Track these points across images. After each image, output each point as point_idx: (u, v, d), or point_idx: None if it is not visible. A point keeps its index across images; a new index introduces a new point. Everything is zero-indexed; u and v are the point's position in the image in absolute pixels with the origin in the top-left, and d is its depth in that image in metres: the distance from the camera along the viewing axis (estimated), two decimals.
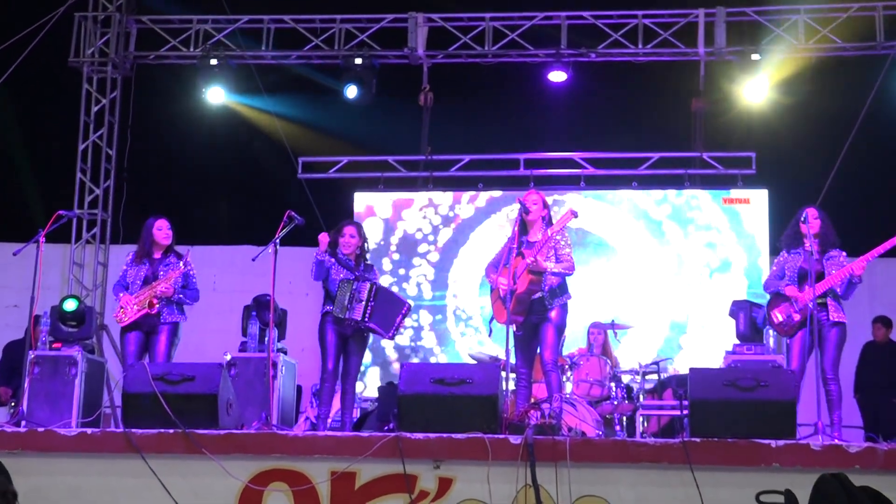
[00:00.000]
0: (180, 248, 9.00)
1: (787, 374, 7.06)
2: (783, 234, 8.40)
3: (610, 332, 10.61)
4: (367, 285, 8.40)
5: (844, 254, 8.12)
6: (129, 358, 8.65)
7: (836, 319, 7.92)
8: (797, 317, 7.97)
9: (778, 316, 8.10)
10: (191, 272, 8.89)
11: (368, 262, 8.78)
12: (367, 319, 8.35)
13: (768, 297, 8.41)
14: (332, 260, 8.53)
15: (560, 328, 8.17)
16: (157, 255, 8.79)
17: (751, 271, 12.48)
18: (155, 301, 8.57)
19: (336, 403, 8.73)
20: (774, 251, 9.68)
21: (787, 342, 8.13)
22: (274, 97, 13.49)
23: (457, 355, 12.60)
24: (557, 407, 7.77)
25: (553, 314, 8.09)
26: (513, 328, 7.97)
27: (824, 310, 7.94)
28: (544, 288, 8.08)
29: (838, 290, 7.97)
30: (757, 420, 6.66)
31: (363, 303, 8.34)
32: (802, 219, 8.08)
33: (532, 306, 8.05)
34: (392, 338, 8.66)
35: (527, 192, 8.41)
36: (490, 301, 8.34)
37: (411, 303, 8.75)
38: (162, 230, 8.84)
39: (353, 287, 8.38)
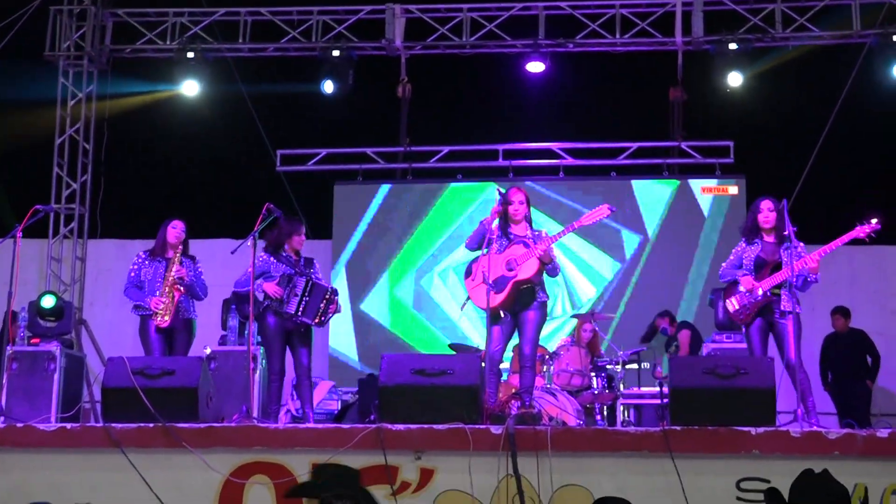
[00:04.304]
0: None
1: (767, 362, 7.07)
2: (742, 223, 8.40)
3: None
4: (304, 280, 8.46)
5: (802, 244, 8.09)
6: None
7: (787, 309, 7.86)
8: (753, 307, 7.98)
9: (733, 304, 8.10)
10: (199, 268, 8.97)
11: (307, 256, 8.87)
12: (300, 314, 8.40)
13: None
14: (273, 260, 8.58)
15: (541, 324, 8.17)
16: (171, 255, 8.78)
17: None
18: (178, 284, 8.63)
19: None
20: None
21: (745, 331, 8.11)
22: (251, 90, 13.44)
23: (437, 345, 12.62)
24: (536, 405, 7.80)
25: (537, 308, 8.08)
26: (501, 314, 7.97)
27: (777, 301, 7.92)
28: (539, 279, 8.08)
29: (794, 280, 7.95)
30: (737, 407, 6.68)
31: (298, 297, 8.42)
32: (780, 210, 8.06)
33: (519, 296, 8.04)
34: (320, 325, 8.60)
35: (514, 189, 8.35)
36: (468, 285, 8.29)
37: (334, 288, 8.68)
38: (176, 229, 8.83)
39: (292, 282, 8.45)
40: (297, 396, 9.84)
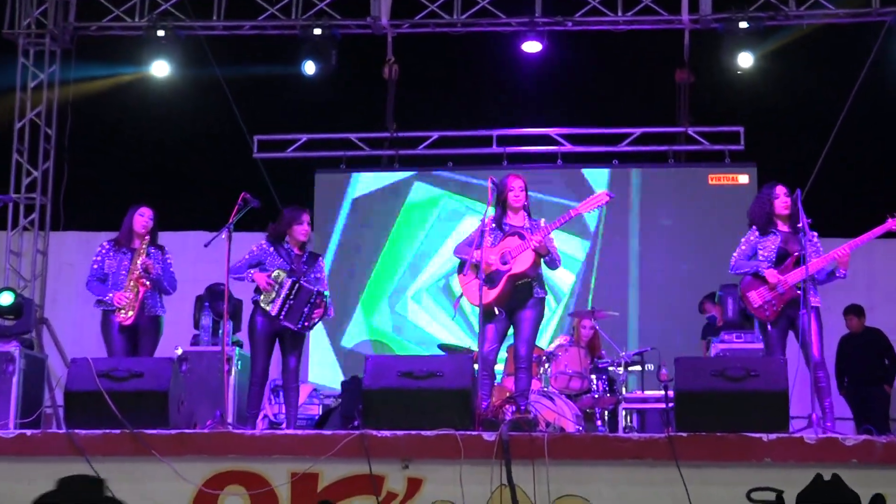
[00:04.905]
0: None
1: (779, 363, 7.06)
2: (753, 211, 8.34)
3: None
4: (291, 282, 8.36)
5: (817, 234, 8.11)
6: (118, 355, 8.55)
7: (813, 304, 7.89)
8: (779, 302, 7.96)
9: (756, 298, 8.07)
10: (168, 260, 8.88)
11: (313, 251, 8.80)
12: (282, 317, 8.34)
13: (740, 277, 8.35)
14: (272, 250, 8.51)
15: (538, 322, 8.16)
16: (137, 245, 8.70)
17: None
18: (143, 278, 8.53)
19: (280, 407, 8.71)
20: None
21: (769, 328, 8.09)
22: (226, 71, 13.39)
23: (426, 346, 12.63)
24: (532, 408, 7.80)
25: (534, 305, 8.06)
26: (495, 311, 7.95)
27: (802, 295, 7.91)
28: (536, 272, 8.04)
29: (816, 274, 7.96)
30: (747, 412, 6.68)
31: (282, 299, 8.33)
32: (794, 199, 8.05)
33: (515, 292, 8.02)
34: (303, 330, 8.48)
35: (513, 175, 8.32)
36: (461, 281, 8.27)
37: (320, 290, 8.51)
38: (144, 217, 8.74)
39: (281, 281, 8.38)
40: (274, 401, 9.83)
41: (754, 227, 8.23)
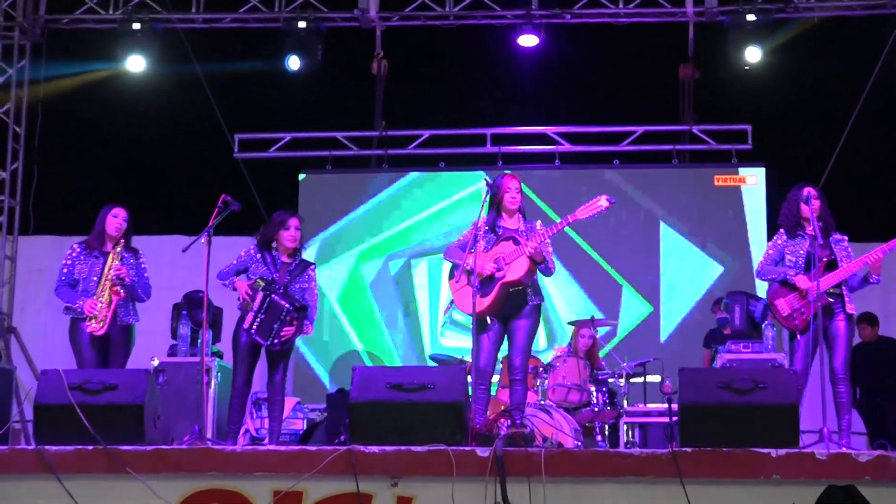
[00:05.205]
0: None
1: (788, 375, 7.08)
2: (781, 214, 8.40)
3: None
4: (262, 295, 8.29)
5: (847, 238, 8.16)
6: (87, 366, 8.50)
7: (851, 312, 7.97)
8: (808, 310, 7.97)
9: (784, 307, 8.10)
10: (143, 264, 8.82)
11: (305, 257, 8.74)
12: (253, 331, 8.30)
13: (766, 283, 8.39)
14: (258, 257, 8.46)
15: (534, 331, 8.16)
16: (110, 248, 8.67)
17: (746, 260, 12.53)
18: (117, 286, 8.49)
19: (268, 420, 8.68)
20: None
21: (798, 338, 8.10)
22: (206, 66, 13.38)
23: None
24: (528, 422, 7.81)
25: (529, 313, 8.07)
26: (487, 320, 7.96)
27: (839, 301, 7.97)
28: (531, 279, 8.05)
29: (850, 280, 8.03)
30: (755, 426, 6.69)
31: (255, 313, 8.27)
32: (805, 199, 8.09)
33: (509, 300, 8.03)
34: (273, 347, 8.35)
35: (508, 175, 8.32)
36: (451, 287, 8.26)
37: (298, 306, 8.37)
38: (117, 218, 8.70)
39: (256, 292, 8.34)
40: (256, 415, 9.82)
41: (782, 230, 8.28)
